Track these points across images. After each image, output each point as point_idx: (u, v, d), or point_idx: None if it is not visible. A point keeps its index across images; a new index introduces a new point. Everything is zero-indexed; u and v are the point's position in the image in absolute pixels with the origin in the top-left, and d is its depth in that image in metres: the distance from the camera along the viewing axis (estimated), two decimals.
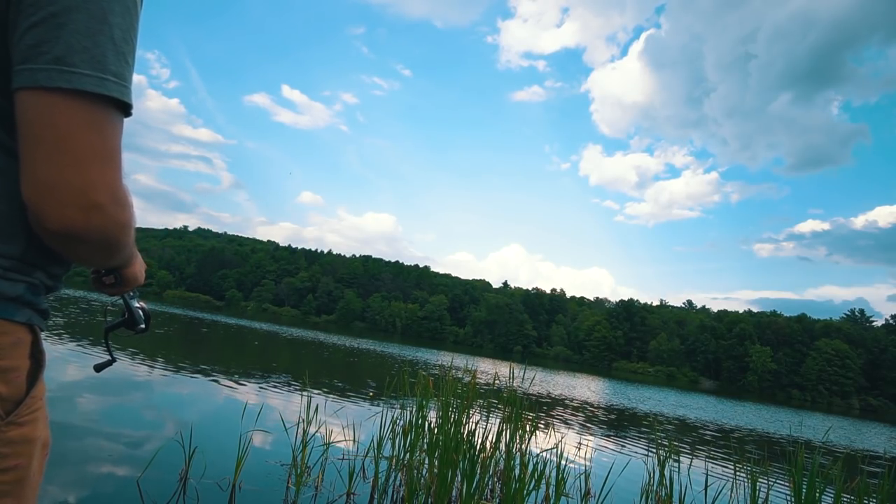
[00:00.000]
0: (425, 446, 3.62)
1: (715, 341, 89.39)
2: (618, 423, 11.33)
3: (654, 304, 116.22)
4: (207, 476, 3.39)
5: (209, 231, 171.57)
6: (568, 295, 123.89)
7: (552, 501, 3.59)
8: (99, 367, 1.03)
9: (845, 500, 3.45)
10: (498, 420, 3.94)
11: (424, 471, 3.51)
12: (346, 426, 4.70)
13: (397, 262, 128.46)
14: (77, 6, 0.59)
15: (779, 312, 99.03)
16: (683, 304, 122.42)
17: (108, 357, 1.04)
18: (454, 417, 3.61)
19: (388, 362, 17.37)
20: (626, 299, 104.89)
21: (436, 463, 3.41)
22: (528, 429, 3.92)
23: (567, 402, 14.06)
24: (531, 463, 3.47)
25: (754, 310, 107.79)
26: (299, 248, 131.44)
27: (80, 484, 3.13)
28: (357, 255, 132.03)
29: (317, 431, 3.66)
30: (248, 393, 7.27)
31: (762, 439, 12.24)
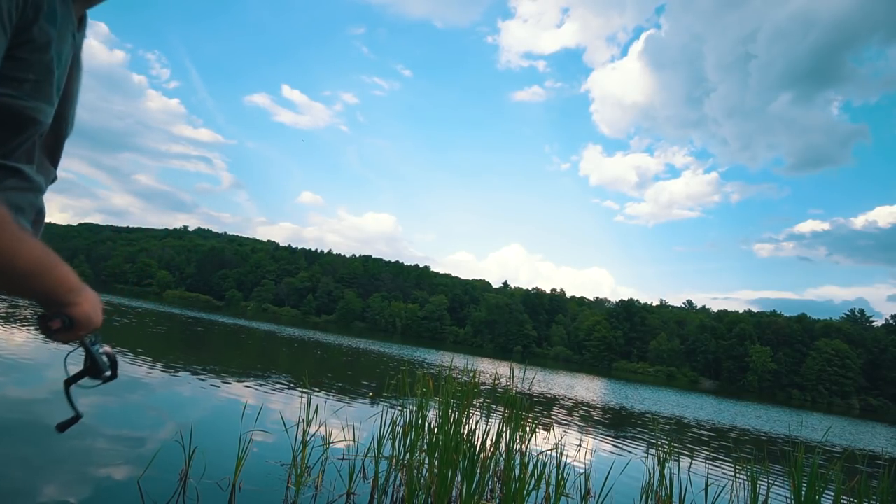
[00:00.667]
0: (425, 446, 3.62)
1: (715, 341, 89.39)
2: (618, 423, 11.32)
3: (654, 304, 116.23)
4: (207, 476, 3.39)
5: (209, 231, 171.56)
6: (568, 295, 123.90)
7: (552, 501, 3.59)
8: (63, 427, 0.87)
9: (845, 500, 3.45)
10: (498, 420, 3.94)
11: (424, 471, 3.51)
12: (346, 426, 4.71)
13: (397, 262, 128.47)
14: None
15: (779, 312, 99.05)
16: (683, 304, 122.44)
17: (73, 413, 0.89)
18: (454, 417, 3.61)
19: (388, 362, 17.37)
20: (626, 299, 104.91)
21: (436, 463, 3.41)
22: (528, 429, 3.93)
23: (567, 402, 14.06)
24: (531, 463, 3.46)
25: (754, 310, 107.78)
26: (299, 248, 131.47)
27: (80, 484, 3.13)
28: (357, 255, 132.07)
29: (317, 431, 3.67)
30: (248, 393, 7.27)
31: (762, 439, 12.23)
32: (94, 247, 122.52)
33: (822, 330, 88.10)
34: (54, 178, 0.86)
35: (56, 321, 0.77)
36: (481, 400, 4.76)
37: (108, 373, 0.89)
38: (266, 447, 4.47)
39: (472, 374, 4.57)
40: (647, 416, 13.76)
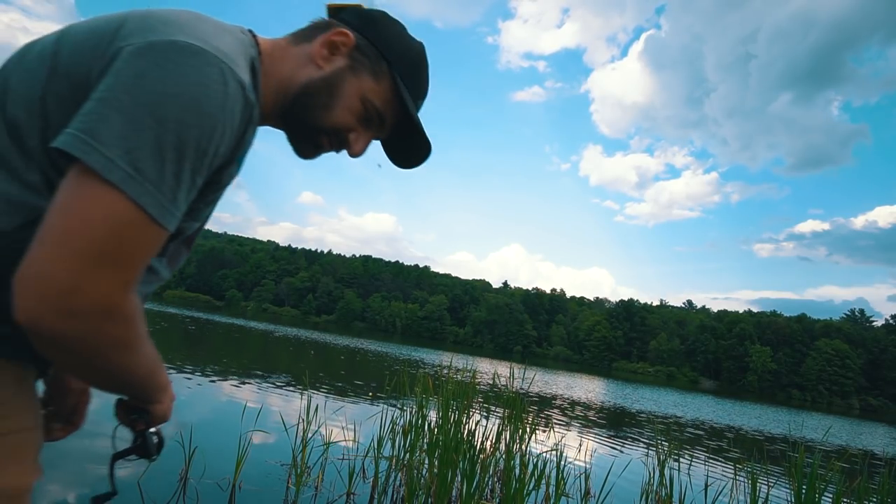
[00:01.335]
0: (425, 446, 3.61)
1: (715, 341, 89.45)
2: (618, 423, 11.33)
3: (654, 304, 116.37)
4: (207, 476, 3.39)
5: (209, 231, 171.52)
6: (568, 295, 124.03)
7: (552, 501, 3.59)
8: (98, 500, 0.86)
9: (845, 500, 3.45)
10: (498, 420, 3.94)
11: (424, 471, 3.51)
12: (346, 426, 4.71)
13: (397, 262, 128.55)
14: (140, 101, 0.55)
15: (779, 312, 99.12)
16: (683, 304, 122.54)
17: (111, 489, 0.87)
18: (454, 417, 3.61)
19: (388, 362, 17.37)
20: (626, 299, 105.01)
21: (436, 463, 3.41)
22: (528, 429, 3.93)
23: (567, 402, 14.06)
24: (531, 463, 3.47)
25: (754, 310, 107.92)
26: (299, 248, 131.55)
27: (80, 484, 3.13)
28: (357, 255, 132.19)
29: (317, 431, 3.67)
30: (248, 393, 7.28)
31: (762, 439, 12.24)
32: None
33: (822, 330, 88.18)
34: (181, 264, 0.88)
35: (141, 423, 0.81)
36: (481, 400, 4.77)
37: (156, 456, 0.89)
38: (266, 447, 4.47)
39: (471, 375, 4.57)
40: (647, 416, 13.77)
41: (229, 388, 7.45)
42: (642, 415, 13.88)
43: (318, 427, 3.70)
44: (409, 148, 0.91)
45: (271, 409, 6.14)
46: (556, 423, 9.07)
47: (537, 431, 4.10)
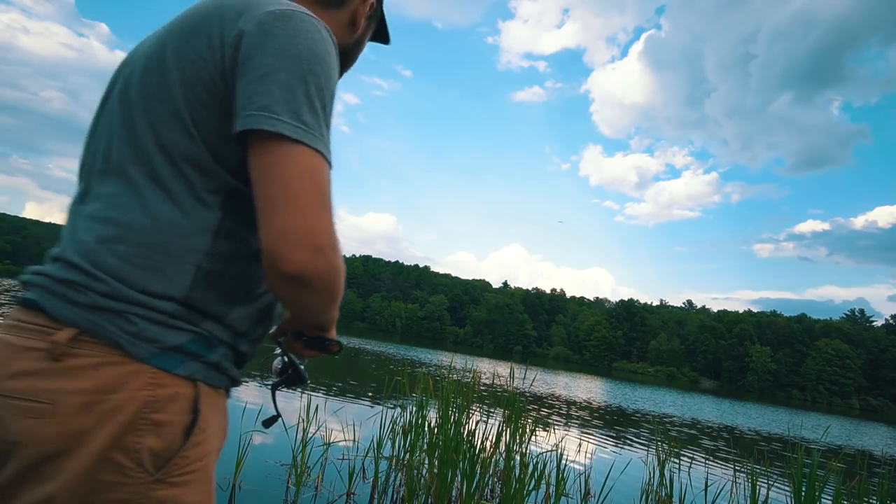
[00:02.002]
0: (425, 446, 3.61)
1: (715, 341, 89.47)
2: (618, 423, 11.33)
3: (654, 304, 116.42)
4: None
5: None
6: (568, 295, 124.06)
7: (552, 501, 3.59)
8: (268, 423, 1.06)
9: (845, 500, 3.45)
10: (498, 420, 3.94)
11: (424, 471, 3.51)
12: (346, 426, 4.71)
13: (397, 262, 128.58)
14: (282, 67, 0.67)
15: (779, 312, 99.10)
16: (683, 304, 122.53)
17: (275, 413, 1.08)
18: (454, 417, 3.61)
19: (388, 362, 17.37)
20: (626, 299, 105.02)
21: (436, 463, 3.41)
22: (528, 429, 3.93)
23: (567, 402, 14.06)
24: (531, 463, 3.47)
25: (754, 310, 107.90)
26: None
27: None
28: (357, 255, 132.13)
29: (317, 431, 3.67)
30: (248, 393, 7.28)
31: (762, 439, 12.24)
32: None
33: (822, 330, 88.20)
34: None
35: (336, 345, 0.96)
36: (481, 400, 4.77)
37: (305, 383, 1.06)
38: (266, 447, 4.47)
39: (471, 375, 4.57)
40: (647, 416, 13.77)
41: None
42: (642, 415, 13.88)
43: (318, 427, 3.70)
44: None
45: (271, 409, 6.14)
46: (555, 423, 9.07)
47: (537, 431, 4.10)
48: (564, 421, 9.82)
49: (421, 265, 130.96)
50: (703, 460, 7.24)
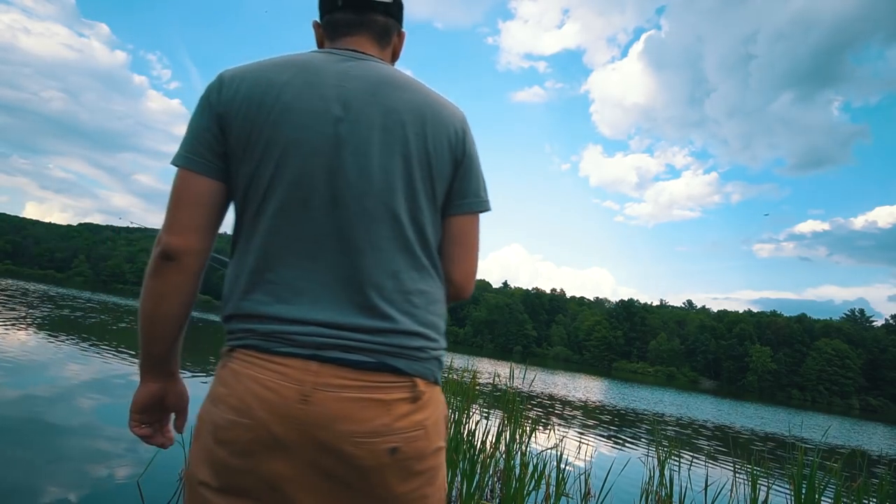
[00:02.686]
0: None
1: (715, 341, 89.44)
2: (618, 423, 11.33)
3: (654, 304, 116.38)
4: None
5: None
6: (568, 295, 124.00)
7: (552, 501, 3.59)
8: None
9: (845, 500, 3.45)
10: (498, 420, 3.94)
11: None
12: None
13: None
14: (477, 159, 1.02)
15: (779, 312, 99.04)
16: (683, 304, 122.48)
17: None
18: (454, 417, 3.61)
19: None
20: (626, 299, 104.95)
21: None
22: (527, 429, 3.93)
23: (567, 402, 14.06)
24: (531, 463, 3.47)
25: (754, 310, 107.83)
26: None
27: (80, 484, 3.13)
28: None
29: None
30: None
31: (762, 439, 12.24)
32: (94, 247, 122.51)
33: (822, 330, 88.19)
34: None
35: None
36: (481, 400, 4.77)
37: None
38: None
39: (471, 375, 4.57)
40: (647, 416, 13.77)
41: None
42: (642, 415, 13.88)
43: None
44: None
45: None
46: (556, 423, 9.07)
47: (537, 431, 4.10)
48: (564, 421, 9.81)
49: None
50: (703, 460, 7.24)
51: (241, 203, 0.89)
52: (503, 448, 3.66)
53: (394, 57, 1.07)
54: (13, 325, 10.25)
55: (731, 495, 3.86)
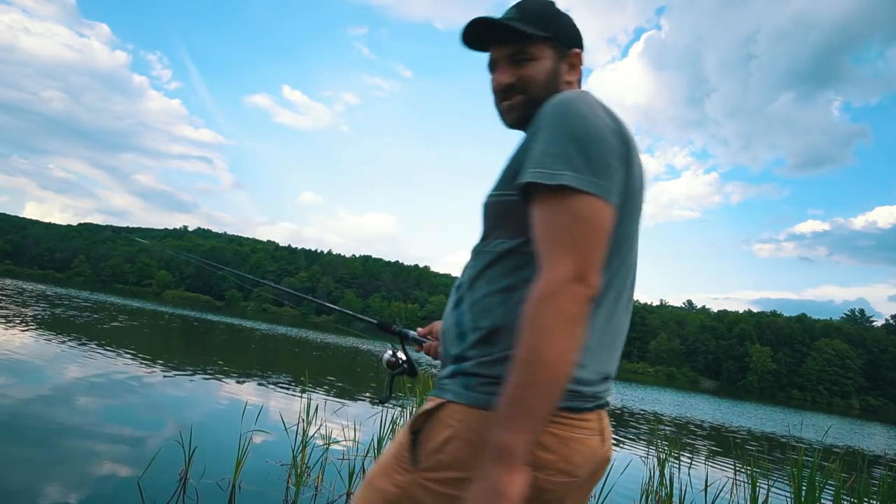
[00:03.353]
0: None
1: (715, 341, 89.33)
2: (618, 422, 11.32)
3: (655, 304, 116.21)
4: (207, 476, 3.39)
5: (209, 231, 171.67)
6: None
7: None
8: (383, 401, 1.39)
9: (845, 500, 3.45)
10: None
11: None
12: (346, 426, 4.70)
13: (397, 262, 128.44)
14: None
15: (779, 312, 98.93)
16: (683, 304, 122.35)
17: (388, 395, 1.39)
18: None
19: None
20: None
21: None
22: None
23: None
24: None
25: (754, 310, 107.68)
26: (299, 248, 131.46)
27: (80, 484, 3.13)
28: (357, 255, 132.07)
29: (317, 431, 3.66)
30: (248, 393, 7.28)
31: (762, 439, 12.23)
32: (94, 247, 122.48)
33: (822, 330, 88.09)
34: None
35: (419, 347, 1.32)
36: None
37: (416, 373, 1.35)
38: (266, 447, 4.47)
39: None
40: (647, 415, 13.76)
41: (229, 388, 7.45)
42: (642, 415, 13.87)
43: (318, 427, 3.70)
44: None
45: (271, 409, 6.14)
46: None
47: None
48: None
49: (421, 265, 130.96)
50: (702, 460, 7.23)
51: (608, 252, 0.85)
52: None
53: None
54: (13, 325, 10.25)
55: (730, 495, 3.85)
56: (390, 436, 3.97)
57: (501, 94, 1.02)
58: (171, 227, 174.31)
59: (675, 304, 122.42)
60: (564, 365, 0.73)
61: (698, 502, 4.07)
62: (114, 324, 14.83)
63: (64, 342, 9.05)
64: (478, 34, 1.01)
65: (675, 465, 4.23)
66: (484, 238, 0.95)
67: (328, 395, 7.79)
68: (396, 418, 4.15)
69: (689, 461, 6.03)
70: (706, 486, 3.72)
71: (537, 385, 0.72)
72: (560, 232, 0.78)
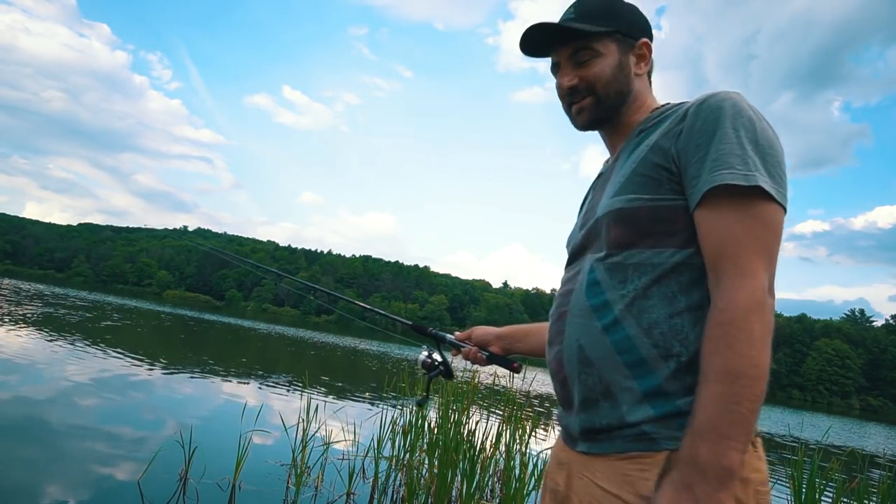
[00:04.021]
0: (425, 446, 3.61)
1: None
2: None
3: None
4: (207, 476, 3.39)
5: (209, 231, 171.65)
6: None
7: None
8: (421, 403, 1.41)
9: (845, 500, 3.45)
10: (498, 420, 3.94)
11: (424, 471, 3.51)
12: (346, 426, 4.70)
13: (397, 262, 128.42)
14: None
15: (779, 312, 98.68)
16: None
17: (426, 395, 1.44)
18: (454, 417, 3.61)
19: (388, 362, 17.37)
20: None
21: (436, 463, 3.41)
22: (527, 428, 3.93)
23: None
24: (531, 463, 3.46)
25: None
26: (299, 247, 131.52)
27: (80, 484, 3.13)
28: (357, 255, 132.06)
29: (317, 431, 3.66)
30: (248, 393, 7.28)
31: (761, 439, 12.20)
32: (94, 247, 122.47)
33: (822, 330, 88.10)
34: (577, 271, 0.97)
35: (516, 363, 1.24)
36: (481, 400, 4.77)
37: (454, 377, 1.35)
38: (266, 447, 4.47)
39: (471, 375, 4.57)
40: None
41: (229, 388, 7.45)
42: None
43: (318, 427, 3.70)
44: None
45: (271, 409, 6.14)
46: (556, 423, 9.06)
47: (537, 431, 4.10)
48: None
49: (421, 265, 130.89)
50: None
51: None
52: (503, 448, 3.66)
53: None
54: (13, 325, 10.25)
55: None
56: (390, 436, 3.97)
57: (568, 98, 1.00)
58: (171, 227, 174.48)
59: None
60: (768, 377, 0.71)
61: None
62: (114, 324, 14.83)
63: (64, 342, 9.04)
64: (537, 40, 1.00)
65: None
66: (623, 248, 0.85)
67: (328, 395, 7.79)
68: (396, 418, 4.15)
69: None
70: None
71: (755, 400, 0.70)
72: (754, 238, 0.75)
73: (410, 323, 1.45)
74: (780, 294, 0.87)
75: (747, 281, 0.73)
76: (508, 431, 3.71)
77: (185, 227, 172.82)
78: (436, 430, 3.58)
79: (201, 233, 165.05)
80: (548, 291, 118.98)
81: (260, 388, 7.93)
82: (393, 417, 4.14)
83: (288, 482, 3.55)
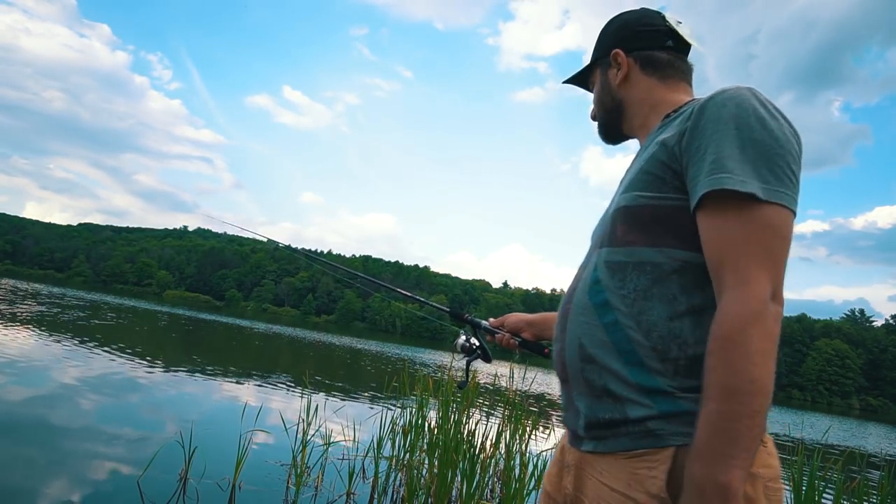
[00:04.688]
0: (425, 446, 3.61)
1: None
2: None
3: None
4: (207, 476, 3.39)
5: (209, 231, 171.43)
6: None
7: None
8: (462, 386, 1.53)
9: (845, 500, 3.45)
10: (498, 420, 3.94)
11: (424, 471, 3.51)
12: (346, 426, 4.70)
13: (397, 262, 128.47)
14: None
15: None
16: None
17: (466, 380, 1.53)
18: (454, 417, 3.61)
19: (388, 362, 17.37)
20: None
21: (436, 463, 3.41)
22: (527, 429, 3.93)
23: None
24: (531, 463, 3.46)
25: None
26: (300, 248, 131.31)
27: (80, 484, 3.13)
28: (357, 255, 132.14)
29: (317, 431, 3.66)
30: (248, 393, 7.28)
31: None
32: (94, 247, 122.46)
33: (822, 330, 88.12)
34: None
35: (547, 348, 1.22)
36: (481, 400, 4.77)
37: (490, 359, 1.41)
38: (266, 447, 4.47)
39: (471, 375, 4.57)
40: None
41: (229, 388, 7.45)
42: None
43: (318, 427, 3.70)
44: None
45: (271, 409, 6.14)
46: (556, 423, 9.06)
47: (537, 431, 4.10)
48: None
49: (421, 265, 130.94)
50: None
51: None
52: (503, 448, 3.66)
53: None
54: (13, 325, 10.25)
55: None
56: (390, 436, 3.97)
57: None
58: (171, 227, 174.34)
59: None
60: (771, 389, 0.69)
61: None
62: (114, 324, 14.83)
63: (63, 342, 9.04)
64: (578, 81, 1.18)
65: None
66: (626, 245, 0.85)
67: (328, 395, 7.79)
68: (396, 418, 4.15)
69: None
70: None
71: (755, 417, 0.67)
72: (753, 244, 0.73)
73: (448, 309, 1.53)
74: None
75: (746, 290, 0.71)
76: (508, 431, 3.71)
77: (186, 227, 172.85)
78: (436, 430, 3.58)
79: (201, 233, 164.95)
80: (548, 291, 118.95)
81: (260, 388, 7.93)
82: (393, 417, 4.14)
83: (288, 482, 3.55)
